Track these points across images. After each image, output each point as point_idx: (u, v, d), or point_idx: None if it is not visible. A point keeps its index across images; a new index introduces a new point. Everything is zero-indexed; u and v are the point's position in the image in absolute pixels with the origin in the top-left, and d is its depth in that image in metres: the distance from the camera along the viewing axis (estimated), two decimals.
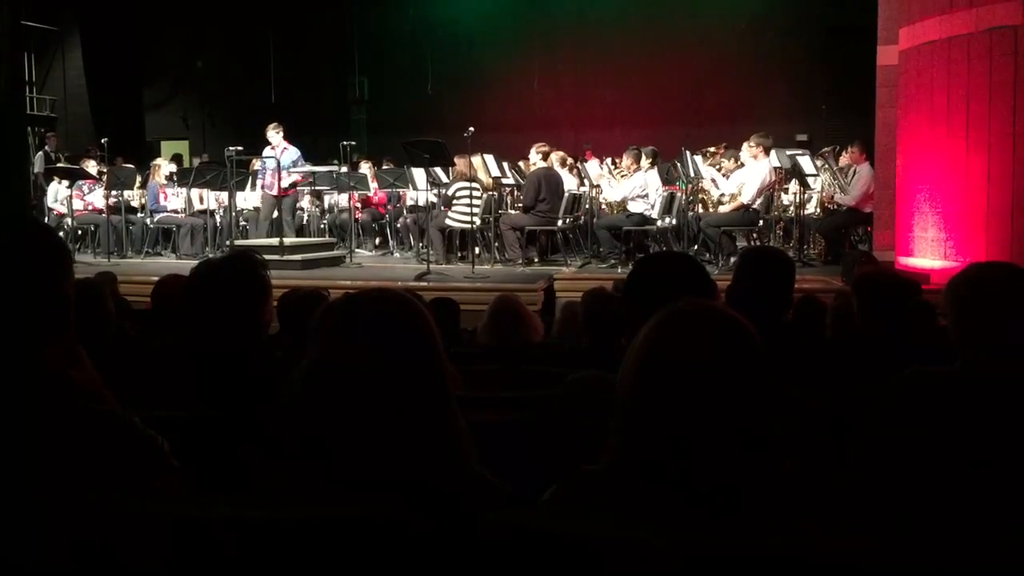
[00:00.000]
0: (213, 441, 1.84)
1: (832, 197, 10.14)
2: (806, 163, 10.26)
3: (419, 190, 11.24)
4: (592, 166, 11.36)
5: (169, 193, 11.58)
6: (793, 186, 10.41)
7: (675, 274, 2.22)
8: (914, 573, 1.22)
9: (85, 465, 1.38)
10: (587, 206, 10.72)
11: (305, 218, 12.47)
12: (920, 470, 1.85)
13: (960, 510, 1.77)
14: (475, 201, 9.79)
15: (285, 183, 10.63)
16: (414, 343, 1.47)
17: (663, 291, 1.97)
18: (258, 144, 10.95)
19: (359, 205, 12.01)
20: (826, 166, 10.35)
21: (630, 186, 9.80)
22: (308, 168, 11.10)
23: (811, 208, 10.50)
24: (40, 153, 14.11)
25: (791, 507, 1.32)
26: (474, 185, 9.80)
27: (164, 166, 11.93)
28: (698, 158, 10.42)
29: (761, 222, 9.93)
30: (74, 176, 11.60)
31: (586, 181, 10.84)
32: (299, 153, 10.91)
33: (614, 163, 11.57)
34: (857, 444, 1.93)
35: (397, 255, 11.65)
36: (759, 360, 1.35)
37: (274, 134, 10.81)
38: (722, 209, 9.79)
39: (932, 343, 2.95)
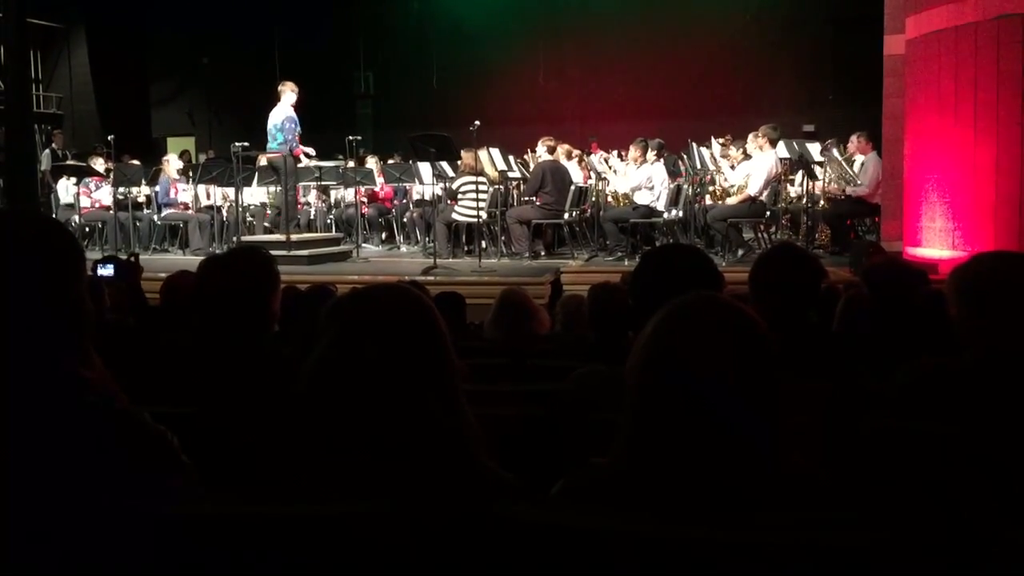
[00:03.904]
0: (222, 437, 1.85)
1: (843, 190, 10.08)
2: (814, 150, 10.21)
3: (425, 184, 11.24)
4: (597, 158, 11.35)
5: (180, 188, 11.62)
6: (799, 177, 10.38)
7: (683, 267, 2.21)
8: (922, 567, 1.21)
9: (98, 463, 1.39)
10: (593, 199, 10.71)
11: (312, 213, 12.48)
12: (928, 463, 1.85)
13: (968, 503, 1.76)
14: (481, 195, 9.78)
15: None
16: (422, 337, 1.47)
17: (671, 284, 1.96)
18: (264, 139, 10.91)
19: (365, 200, 12.01)
20: (831, 158, 10.30)
21: (638, 178, 9.79)
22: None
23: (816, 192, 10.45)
24: (47, 151, 14.15)
25: (800, 501, 1.31)
26: (480, 179, 9.80)
27: (174, 161, 11.98)
28: (704, 149, 10.40)
29: (768, 213, 9.90)
30: (81, 173, 11.63)
31: (592, 174, 10.84)
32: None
33: (620, 156, 11.56)
34: (865, 436, 1.93)
35: (404, 249, 11.66)
36: (767, 352, 1.34)
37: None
38: (729, 201, 9.77)
39: (942, 333, 2.93)
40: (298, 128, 10.15)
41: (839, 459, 1.80)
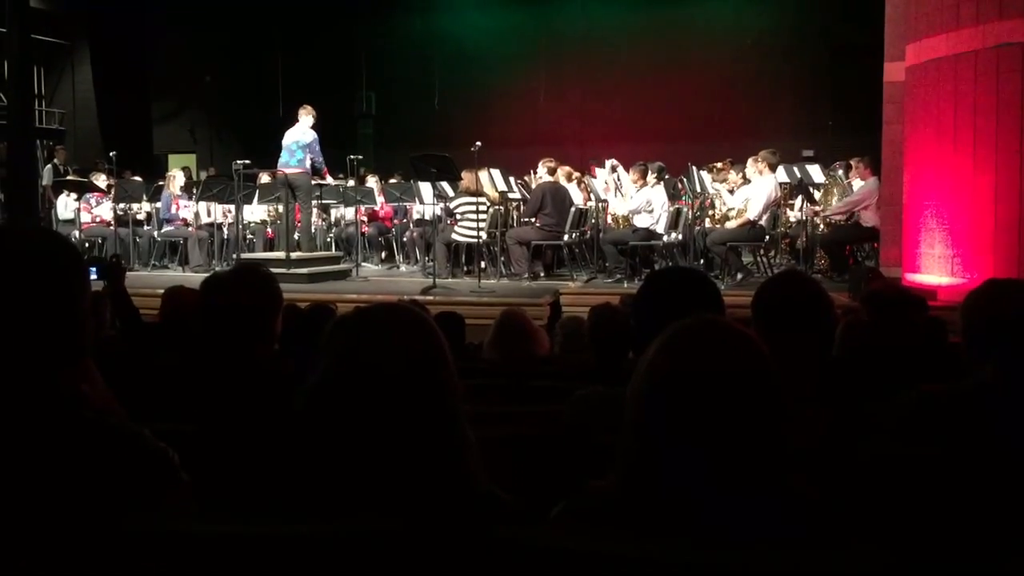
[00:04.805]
0: (222, 455, 1.84)
1: (823, 211, 10.15)
2: (815, 172, 10.24)
3: (426, 204, 11.27)
4: (599, 177, 11.36)
5: (182, 204, 11.66)
6: (799, 201, 10.41)
7: (686, 289, 2.21)
8: None
9: (96, 479, 1.38)
10: (593, 221, 10.73)
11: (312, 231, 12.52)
12: (929, 488, 1.84)
13: (968, 530, 1.76)
14: (481, 216, 9.80)
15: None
16: (425, 357, 1.47)
17: (673, 306, 1.96)
18: (267, 158, 10.94)
19: (365, 219, 12.03)
20: (836, 179, 10.35)
21: (637, 200, 9.81)
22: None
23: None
24: (49, 166, 14.17)
25: (800, 525, 1.31)
26: (480, 200, 9.82)
27: (179, 177, 12.04)
28: (704, 174, 10.43)
29: (767, 238, 9.93)
30: (82, 189, 11.65)
31: (592, 196, 10.86)
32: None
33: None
34: (865, 461, 1.92)
35: (403, 269, 11.67)
36: (770, 376, 1.34)
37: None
38: (728, 225, 9.79)
39: (943, 359, 2.94)
40: None
41: (840, 483, 1.79)
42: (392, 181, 12.86)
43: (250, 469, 1.67)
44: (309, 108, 10.38)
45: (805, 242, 10.13)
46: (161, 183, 12.21)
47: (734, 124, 15.27)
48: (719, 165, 11.53)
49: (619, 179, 10.70)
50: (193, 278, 9.19)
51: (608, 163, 11.06)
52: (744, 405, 1.31)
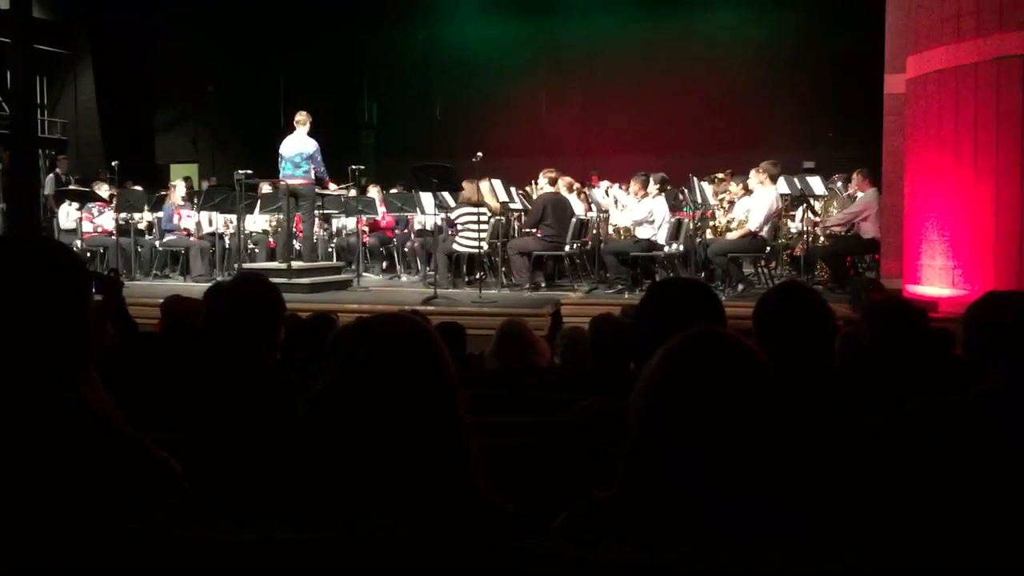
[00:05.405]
0: (225, 463, 1.84)
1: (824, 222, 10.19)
2: (816, 183, 10.25)
3: (427, 214, 11.29)
4: (599, 192, 11.41)
5: (184, 214, 11.68)
6: (800, 212, 10.43)
7: (687, 300, 2.21)
8: None
9: (97, 487, 1.38)
10: (594, 231, 10.74)
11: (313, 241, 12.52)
12: (928, 493, 1.84)
13: (967, 533, 1.76)
14: (483, 226, 9.81)
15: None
16: (426, 366, 1.48)
17: (675, 317, 1.97)
18: (269, 168, 10.96)
19: (367, 229, 12.05)
20: (835, 192, 10.37)
21: (639, 211, 9.83)
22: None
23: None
24: (51, 176, 14.19)
25: (800, 525, 1.32)
26: (481, 210, 9.83)
27: (180, 187, 12.06)
28: (705, 185, 10.45)
29: (768, 249, 9.94)
30: (84, 198, 11.67)
31: (593, 207, 10.88)
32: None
33: (625, 189, 11.62)
34: (867, 471, 1.92)
35: (404, 279, 11.67)
36: (771, 387, 1.35)
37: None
38: (729, 236, 9.80)
39: (949, 371, 2.94)
40: None
41: (840, 487, 1.80)
42: (393, 191, 12.89)
43: (254, 476, 1.67)
44: (305, 114, 10.34)
45: (805, 252, 10.14)
46: (163, 193, 12.23)
47: (735, 135, 15.31)
48: (720, 176, 11.55)
49: (615, 198, 10.74)
50: (194, 288, 9.19)
51: (601, 185, 11.11)
52: (744, 409, 1.32)
